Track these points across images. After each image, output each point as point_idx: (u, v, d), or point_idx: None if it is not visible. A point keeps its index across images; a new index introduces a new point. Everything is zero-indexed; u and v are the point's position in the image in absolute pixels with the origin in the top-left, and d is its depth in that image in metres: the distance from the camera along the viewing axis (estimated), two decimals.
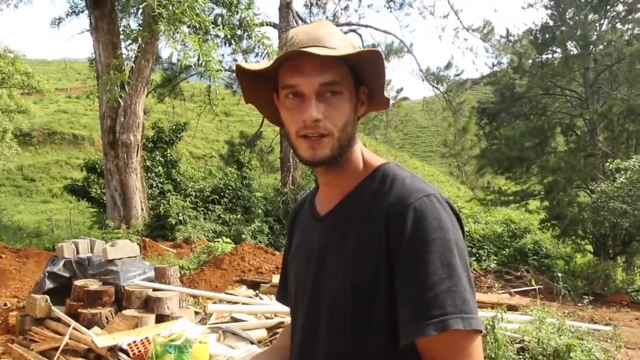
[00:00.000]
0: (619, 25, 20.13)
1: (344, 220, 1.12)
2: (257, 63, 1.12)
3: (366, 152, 1.18)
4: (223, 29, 11.81)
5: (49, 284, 5.53)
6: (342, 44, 1.07)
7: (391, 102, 1.24)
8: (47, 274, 5.61)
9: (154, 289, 5.21)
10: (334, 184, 1.16)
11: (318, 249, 1.15)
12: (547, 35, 21.30)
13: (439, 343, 0.94)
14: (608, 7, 20.01)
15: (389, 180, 1.09)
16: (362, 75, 1.10)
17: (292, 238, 1.34)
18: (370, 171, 1.14)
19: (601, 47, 19.66)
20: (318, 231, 1.17)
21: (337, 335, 1.08)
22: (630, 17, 20.06)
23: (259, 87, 1.16)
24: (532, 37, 21.23)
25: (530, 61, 20.32)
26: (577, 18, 19.70)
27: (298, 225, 1.31)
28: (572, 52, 20.08)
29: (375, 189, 1.10)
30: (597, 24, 20.01)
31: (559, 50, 21.05)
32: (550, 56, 21.56)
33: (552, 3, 21.05)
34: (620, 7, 20.35)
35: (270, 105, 1.18)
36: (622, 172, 12.22)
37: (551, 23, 21.39)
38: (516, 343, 5.01)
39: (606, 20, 20.32)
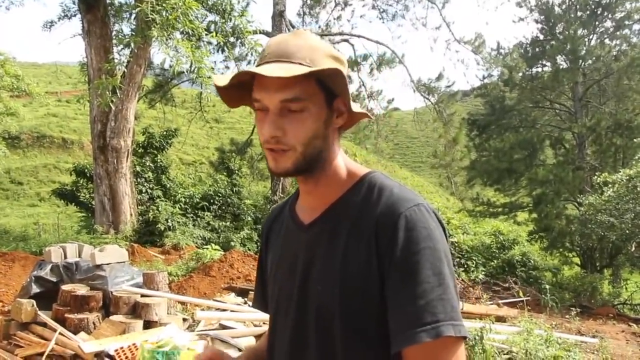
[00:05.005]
0: (607, 41, 20.46)
1: (331, 230, 1.10)
2: (223, 75, 1.10)
3: (350, 161, 1.17)
4: (216, 36, 11.84)
5: (35, 289, 5.45)
6: (314, 57, 1.04)
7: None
8: (33, 278, 5.54)
9: (142, 295, 5.17)
10: (314, 194, 1.15)
11: (303, 259, 1.13)
12: (537, 49, 21.59)
13: (431, 350, 0.94)
14: (597, 23, 20.33)
15: (377, 190, 1.08)
16: (334, 88, 1.07)
17: (268, 245, 1.31)
18: (355, 180, 1.13)
19: (590, 61, 19.95)
20: (304, 241, 1.15)
21: (327, 348, 1.07)
22: (618, 33, 20.40)
23: (243, 95, 1.13)
24: (522, 51, 21.52)
25: (520, 74, 20.55)
26: (566, 33, 19.97)
27: (275, 232, 1.29)
28: (561, 66, 20.37)
29: (362, 198, 1.09)
30: (586, 39, 20.33)
31: (548, 64, 21.36)
32: (540, 70, 21.89)
33: (542, 17, 21.34)
34: (608, 24, 20.70)
35: None
36: (610, 185, 12.33)
37: (541, 37, 21.68)
38: (504, 354, 5.02)
39: (595, 35, 20.65)
